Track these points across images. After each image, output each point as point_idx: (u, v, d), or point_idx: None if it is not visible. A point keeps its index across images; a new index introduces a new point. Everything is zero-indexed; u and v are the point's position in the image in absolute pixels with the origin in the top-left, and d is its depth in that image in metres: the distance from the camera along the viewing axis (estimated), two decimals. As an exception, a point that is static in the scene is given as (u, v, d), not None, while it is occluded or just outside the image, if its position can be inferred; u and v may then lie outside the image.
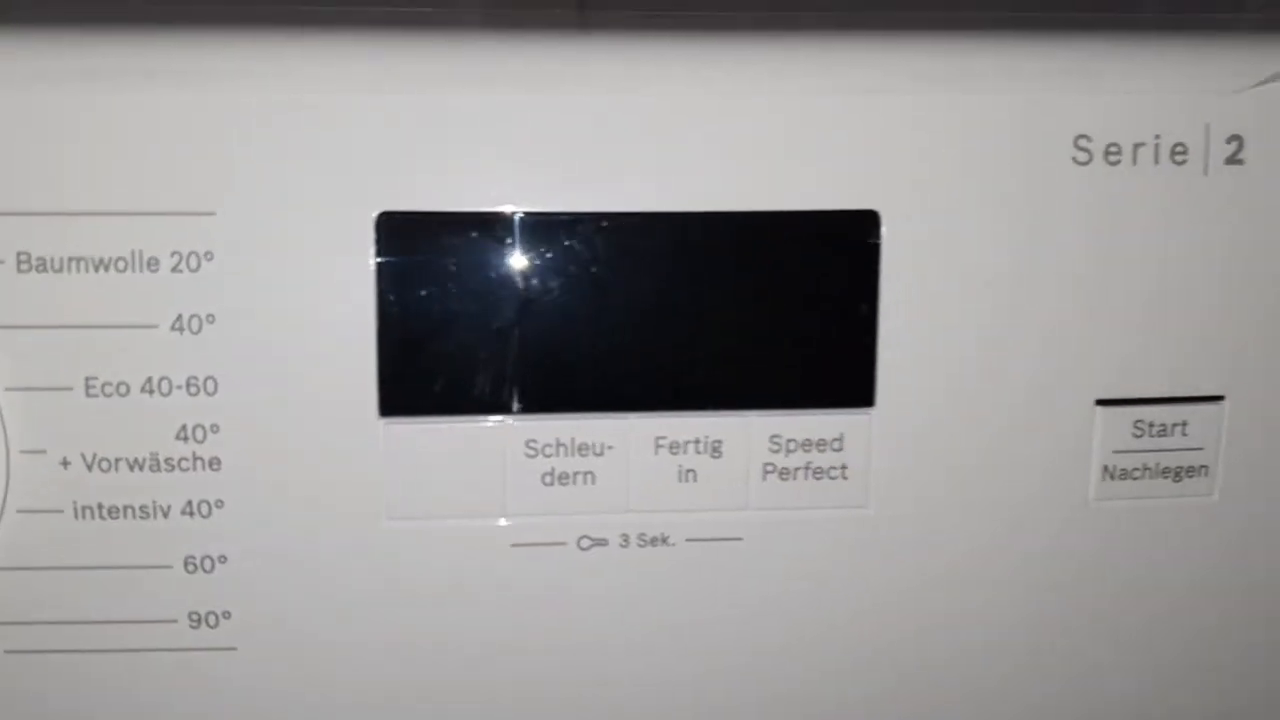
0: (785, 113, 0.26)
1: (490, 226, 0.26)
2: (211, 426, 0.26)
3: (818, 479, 0.27)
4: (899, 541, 0.27)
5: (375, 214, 0.25)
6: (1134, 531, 0.28)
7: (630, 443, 0.27)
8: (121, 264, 0.25)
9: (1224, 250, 0.27)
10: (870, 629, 0.28)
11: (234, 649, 0.27)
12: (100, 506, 0.26)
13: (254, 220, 0.25)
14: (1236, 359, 0.27)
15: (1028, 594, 0.28)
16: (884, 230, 0.26)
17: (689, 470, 0.27)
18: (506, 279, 0.26)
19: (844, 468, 0.27)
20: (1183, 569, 0.28)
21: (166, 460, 0.26)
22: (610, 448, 0.27)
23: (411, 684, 0.27)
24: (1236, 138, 0.26)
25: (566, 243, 0.26)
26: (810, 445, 0.27)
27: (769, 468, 0.27)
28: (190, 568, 0.26)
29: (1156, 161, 0.26)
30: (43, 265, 0.25)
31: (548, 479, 0.27)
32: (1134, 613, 0.28)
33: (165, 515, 0.26)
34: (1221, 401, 0.27)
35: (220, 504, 0.26)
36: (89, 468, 0.26)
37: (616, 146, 0.26)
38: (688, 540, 0.27)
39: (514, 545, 0.27)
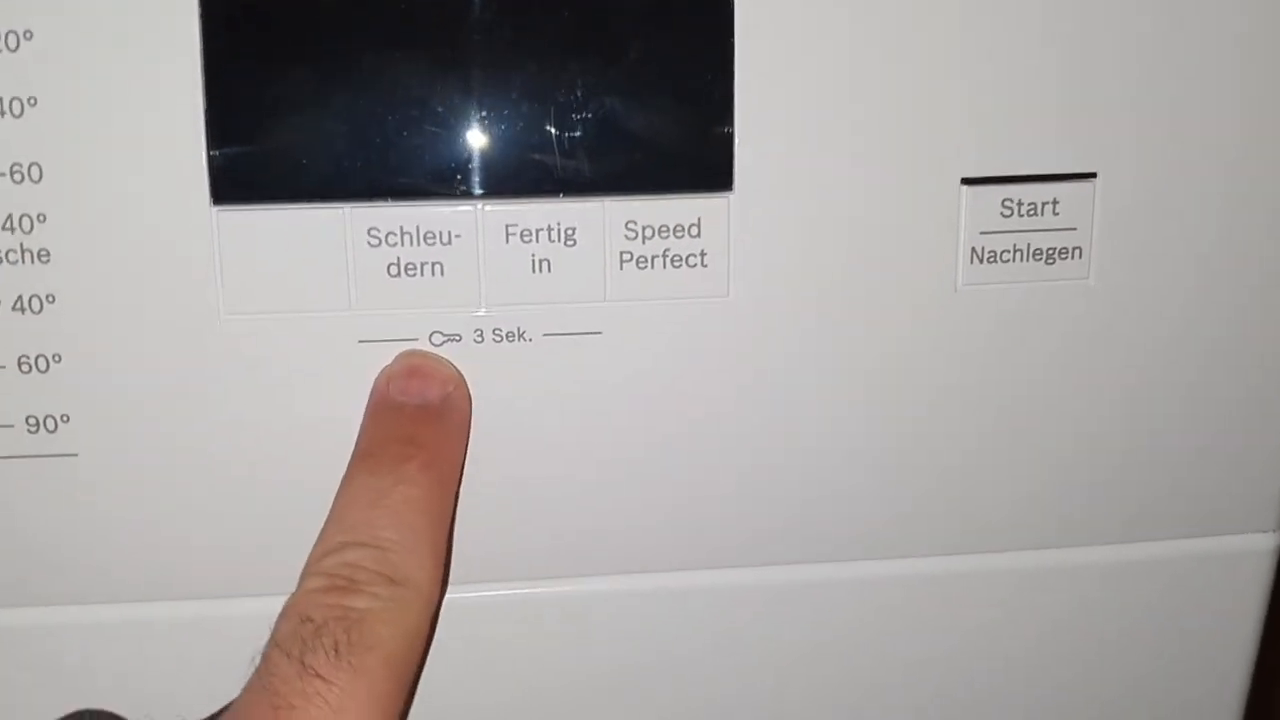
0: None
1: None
2: (38, 216, 0.25)
3: (676, 267, 0.26)
4: (761, 330, 0.26)
5: (199, -13, 0.24)
6: (1005, 316, 0.27)
7: (479, 231, 0.26)
8: (-65, 45, 0.24)
9: (1090, 22, 0.26)
10: (732, 420, 0.27)
11: (75, 454, 0.26)
12: (-73, 303, 0.25)
13: (72, -3, 0.24)
14: (1108, 134, 0.26)
15: (894, 382, 0.27)
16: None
17: (543, 260, 0.26)
18: (338, 55, 0.25)
19: (703, 254, 0.26)
20: (1056, 356, 0.27)
21: (-8, 252, 0.25)
22: (458, 236, 0.26)
23: (254, 484, 0.26)
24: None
25: (402, 22, 0.25)
26: (667, 231, 0.26)
27: (626, 256, 0.26)
28: (24, 367, 0.25)
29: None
30: None
31: (393, 269, 0.26)
32: (1003, 400, 0.27)
33: (-6, 311, 0.25)
34: (1093, 179, 0.26)
35: (51, 299, 0.25)
36: (-88, 262, 0.25)
37: (452, -87, 0.24)
38: (545, 335, 0.26)
39: (361, 341, 0.26)
